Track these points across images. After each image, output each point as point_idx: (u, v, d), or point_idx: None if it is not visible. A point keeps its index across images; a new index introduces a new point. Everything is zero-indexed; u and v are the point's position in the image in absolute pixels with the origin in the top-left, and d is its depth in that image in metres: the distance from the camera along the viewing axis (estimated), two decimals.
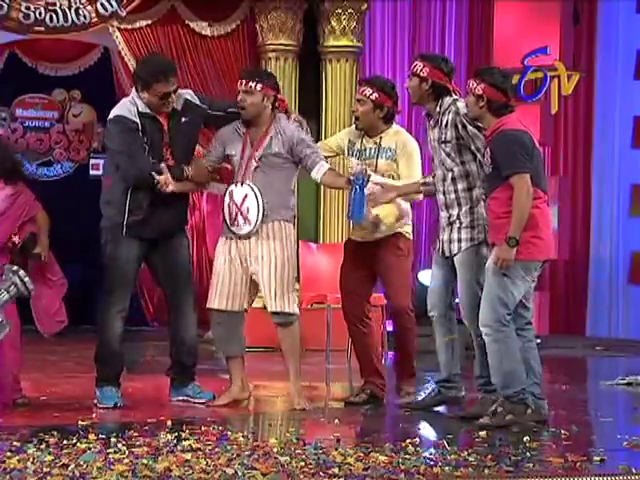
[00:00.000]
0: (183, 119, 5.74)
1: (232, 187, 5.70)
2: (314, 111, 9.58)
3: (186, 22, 9.59)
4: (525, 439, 4.65)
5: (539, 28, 9.55)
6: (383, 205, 5.68)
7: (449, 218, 5.49)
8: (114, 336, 5.74)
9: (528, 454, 4.36)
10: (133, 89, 5.78)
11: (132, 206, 5.67)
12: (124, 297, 5.76)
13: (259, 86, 5.66)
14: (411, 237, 5.89)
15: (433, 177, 5.62)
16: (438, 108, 5.51)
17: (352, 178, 5.47)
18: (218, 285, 5.74)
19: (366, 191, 5.42)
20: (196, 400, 5.83)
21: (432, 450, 4.36)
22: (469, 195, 5.45)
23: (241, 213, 5.66)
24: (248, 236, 5.66)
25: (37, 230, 5.74)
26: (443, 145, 5.47)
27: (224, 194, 5.76)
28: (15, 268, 5.18)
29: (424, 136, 5.79)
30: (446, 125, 5.45)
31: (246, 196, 5.64)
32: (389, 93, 5.80)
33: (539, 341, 8.93)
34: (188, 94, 5.84)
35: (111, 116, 5.75)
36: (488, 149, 5.18)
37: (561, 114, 10.26)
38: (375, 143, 5.81)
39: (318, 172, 5.65)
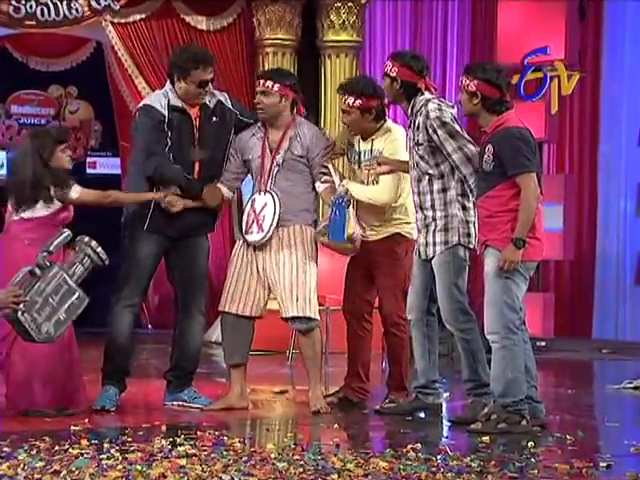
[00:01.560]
0: (214, 119, 5.72)
1: (255, 195, 5.67)
2: (313, 107, 9.50)
3: (181, 16, 9.54)
4: (529, 444, 4.58)
5: (544, 26, 9.48)
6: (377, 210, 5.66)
7: (425, 219, 5.44)
8: (122, 331, 5.67)
9: (533, 460, 4.30)
10: (168, 81, 5.75)
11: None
12: (135, 293, 5.69)
13: (276, 86, 5.62)
14: (413, 235, 5.75)
15: None
16: (410, 109, 5.45)
17: (332, 199, 5.50)
18: (231, 288, 5.68)
19: (347, 212, 5.46)
20: (192, 405, 5.75)
21: (434, 456, 4.27)
22: (444, 196, 5.38)
23: (257, 221, 5.62)
24: (260, 244, 5.61)
25: None
26: (416, 147, 5.41)
27: (247, 202, 5.72)
28: (87, 239, 5.09)
29: None
30: (418, 127, 5.39)
31: (265, 204, 5.62)
32: (372, 94, 5.69)
33: (544, 344, 8.95)
34: (222, 96, 5.84)
35: (140, 104, 5.80)
36: (490, 146, 5.08)
37: (567, 112, 10.20)
38: (369, 146, 5.74)
39: (320, 186, 5.66)
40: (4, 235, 5.46)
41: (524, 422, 5.02)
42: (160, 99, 5.66)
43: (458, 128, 5.33)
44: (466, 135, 5.36)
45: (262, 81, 5.68)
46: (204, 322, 5.89)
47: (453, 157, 5.32)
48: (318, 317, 5.67)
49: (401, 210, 5.74)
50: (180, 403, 5.77)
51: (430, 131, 5.32)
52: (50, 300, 4.90)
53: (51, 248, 4.99)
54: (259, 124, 5.75)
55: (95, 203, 5.50)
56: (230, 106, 5.80)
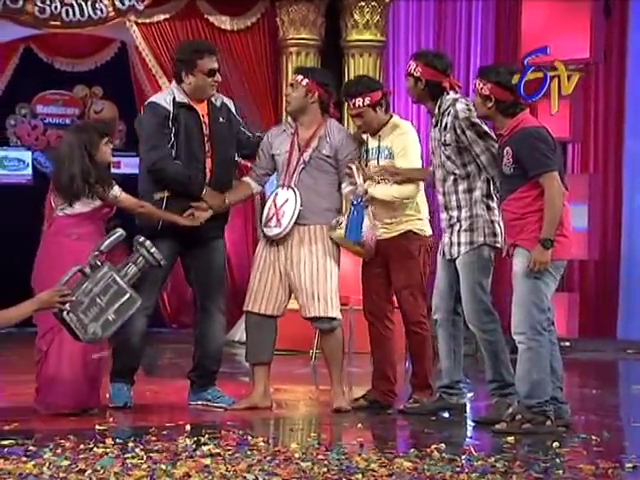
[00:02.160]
0: (221, 119, 5.75)
1: (278, 189, 5.70)
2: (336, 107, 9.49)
3: (205, 16, 9.53)
4: (554, 445, 4.55)
5: (569, 24, 9.38)
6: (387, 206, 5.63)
7: (449, 220, 5.42)
8: (135, 332, 5.68)
9: (557, 460, 4.26)
10: (173, 81, 5.79)
11: (170, 198, 5.62)
12: (149, 295, 5.67)
13: (305, 81, 5.68)
14: (426, 232, 5.71)
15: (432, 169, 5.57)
16: (437, 108, 5.42)
17: (351, 199, 5.51)
18: (254, 287, 5.71)
19: (365, 212, 5.48)
20: (215, 404, 5.75)
21: (458, 456, 4.25)
22: (469, 197, 5.36)
23: (276, 215, 5.64)
24: (277, 238, 5.62)
25: None
26: (443, 147, 5.38)
27: (269, 196, 5.75)
28: (141, 240, 5.10)
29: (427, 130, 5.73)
30: (445, 127, 5.36)
31: (287, 200, 5.63)
32: (375, 87, 5.70)
33: (568, 344, 8.89)
34: (227, 100, 5.88)
35: (145, 103, 5.83)
36: (508, 149, 5.04)
37: (591, 110, 10.11)
38: (376, 143, 5.71)
39: (344, 189, 5.69)
40: (49, 230, 5.47)
41: (549, 423, 4.99)
42: (165, 96, 5.70)
43: (486, 128, 5.31)
44: (493, 135, 5.33)
45: (293, 76, 5.81)
46: (224, 321, 5.88)
47: (481, 158, 5.30)
48: (340, 316, 5.67)
49: (412, 206, 5.69)
50: (204, 402, 5.77)
51: (459, 131, 5.30)
52: (98, 300, 4.88)
53: (102, 247, 4.99)
54: (290, 120, 5.80)
55: (128, 209, 5.52)
56: (234, 111, 5.84)
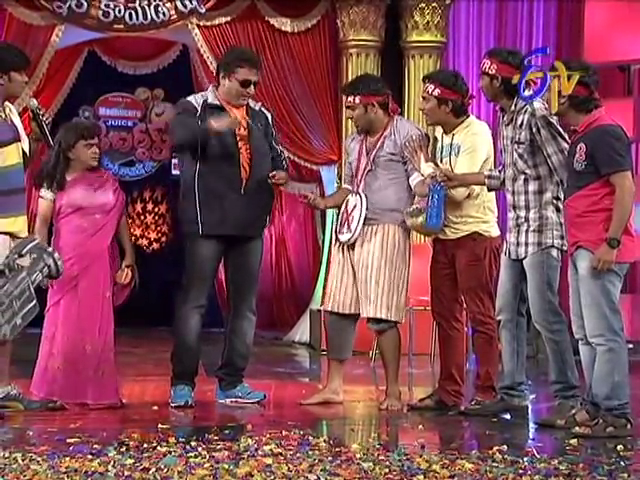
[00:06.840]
0: (259, 124, 5.80)
1: (349, 196, 5.79)
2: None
3: (266, 18, 9.57)
4: (618, 448, 4.50)
5: (632, 25, 9.30)
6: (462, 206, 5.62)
7: (517, 219, 5.38)
8: (190, 333, 5.74)
9: (622, 463, 4.21)
10: (211, 85, 5.86)
11: (202, 196, 5.66)
12: (201, 294, 5.76)
13: (357, 98, 5.73)
14: (492, 233, 5.69)
15: (499, 172, 5.52)
16: (513, 106, 5.38)
17: (429, 185, 5.49)
18: (329, 287, 5.84)
19: (445, 196, 5.46)
20: (246, 401, 5.81)
21: (520, 458, 4.21)
22: (539, 198, 5.32)
23: (347, 222, 5.71)
24: (349, 243, 5.70)
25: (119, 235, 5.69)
26: (516, 145, 5.34)
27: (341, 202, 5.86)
28: (50, 249, 5.10)
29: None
30: (521, 125, 5.32)
31: (355, 206, 5.71)
32: (451, 87, 5.64)
33: (632, 346, 8.77)
34: (269, 113, 5.95)
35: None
36: (582, 145, 4.97)
37: None
38: (449, 140, 5.70)
39: (413, 181, 5.69)
40: None
41: (629, 426, 4.92)
42: (197, 98, 5.79)
43: (561, 130, 5.26)
44: (567, 137, 5.27)
45: (345, 97, 5.83)
46: (255, 320, 5.93)
47: (552, 159, 5.26)
48: (393, 318, 5.68)
49: (479, 209, 5.68)
50: (234, 400, 5.82)
51: (534, 130, 5.27)
52: (14, 303, 4.84)
53: (24, 251, 4.97)
54: None
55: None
56: (271, 124, 5.89)
